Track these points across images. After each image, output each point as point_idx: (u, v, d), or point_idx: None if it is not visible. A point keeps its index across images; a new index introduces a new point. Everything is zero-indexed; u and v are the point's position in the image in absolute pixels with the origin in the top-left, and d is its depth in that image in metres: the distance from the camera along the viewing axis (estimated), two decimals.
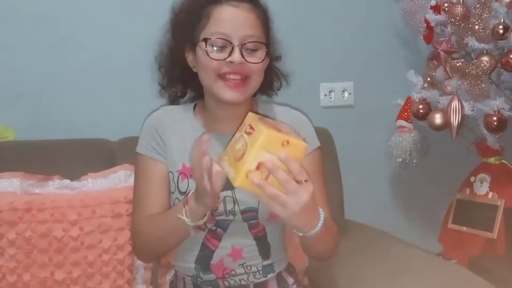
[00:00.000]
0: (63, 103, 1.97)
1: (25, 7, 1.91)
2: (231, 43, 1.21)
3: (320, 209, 1.10)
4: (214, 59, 1.21)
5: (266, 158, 0.99)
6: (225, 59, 1.21)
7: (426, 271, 1.46)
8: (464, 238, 2.11)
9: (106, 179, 1.67)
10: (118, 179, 1.67)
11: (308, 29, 2.18)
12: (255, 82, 1.27)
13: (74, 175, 1.68)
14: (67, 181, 1.66)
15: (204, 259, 1.32)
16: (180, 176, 1.30)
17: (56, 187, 1.64)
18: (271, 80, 1.40)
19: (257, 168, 0.99)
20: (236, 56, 1.20)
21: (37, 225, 1.56)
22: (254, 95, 1.39)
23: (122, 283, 1.58)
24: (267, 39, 1.29)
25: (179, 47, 1.30)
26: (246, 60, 1.21)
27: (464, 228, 2.11)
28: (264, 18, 1.28)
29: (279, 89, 1.43)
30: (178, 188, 1.30)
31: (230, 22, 1.21)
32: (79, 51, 1.97)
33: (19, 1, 1.91)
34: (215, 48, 1.22)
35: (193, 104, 1.39)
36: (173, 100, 1.41)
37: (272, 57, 1.36)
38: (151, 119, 1.37)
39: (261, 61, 1.25)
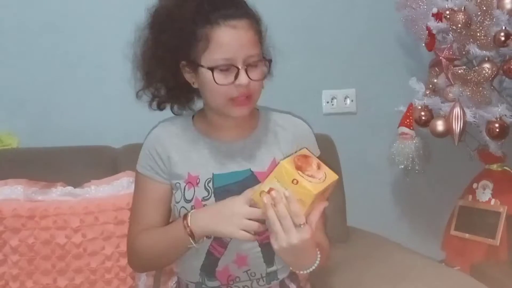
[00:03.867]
0: (66, 110, 1.98)
1: (29, 16, 1.93)
2: (236, 67, 1.21)
3: (318, 254, 1.19)
4: (222, 85, 1.22)
5: (275, 186, 1.10)
6: (232, 82, 1.22)
7: (428, 278, 1.46)
8: (466, 245, 2.10)
9: (109, 186, 1.68)
10: (121, 186, 1.67)
11: (311, 36, 2.19)
12: (259, 94, 1.29)
13: (77, 182, 1.69)
14: (70, 188, 1.67)
15: (209, 267, 1.32)
16: (186, 186, 1.31)
17: (59, 194, 1.64)
18: None
19: (269, 191, 1.11)
20: (243, 78, 1.21)
21: (40, 232, 1.56)
22: None
23: None
24: (264, 49, 1.30)
25: (172, 60, 1.28)
26: (251, 79, 1.22)
27: (467, 235, 2.10)
28: (260, 29, 1.29)
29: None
30: (184, 196, 1.31)
31: (232, 46, 1.21)
32: (82, 59, 1.98)
33: (23, 10, 1.92)
34: (221, 73, 1.22)
35: (191, 115, 1.39)
36: (159, 105, 1.38)
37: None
38: (149, 138, 1.38)
39: (264, 77, 1.27)
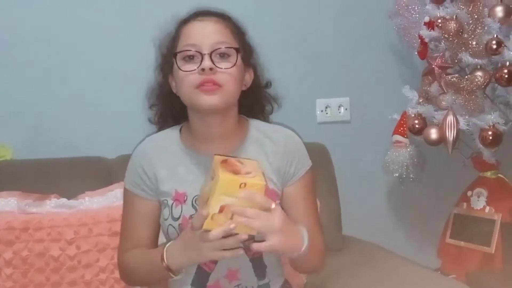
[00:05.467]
0: (60, 122, 1.98)
1: (23, 27, 1.93)
2: (201, 53, 1.22)
3: (302, 229, 1.19)
4: (187, 71, 1.23)
5: (227, 201, 1.06)
6: (196, 68, 1.22)
7: (423, 287, 1.46)
8: (462, 253, 2.10)
9: (103, 197, 1.67)
10: (115, 197, 1.66)
11: (304, 45, 2.19)
12: (231, 87, 1.25)
13: (71, 194, 1.68)
14: (64, 200, 1.67)
15: (201, 281, 1.31)
16: (174, 203, 1.29)
17: (53, 206, 1.64)
18: (262, 106, 1.40)
19: (220, 211, 1.07)
20: (206, 63, 1.21)
21: (34, 244, 1.56)
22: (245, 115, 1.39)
23: None
24: (240, 46, 1.29)
25: (165, 78, 1.32)
26: (217, 66, 1.22)
27: (462, 243, 2.10)
28: (233, 28, 1.29)
29: (271, 113, 1.43)
30: (171, 214, 1.29)
31: (197, 33, 1.25)
32: (76, 71, 1.98)
33: (17, 22, 1.93)
34: (186, 61, 1.24)
35: (179, 127, 1.38)
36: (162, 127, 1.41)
37: (259, 79, 1.36)
38: (135, 154, 1.36)
39: (233, 65, 1.24)
